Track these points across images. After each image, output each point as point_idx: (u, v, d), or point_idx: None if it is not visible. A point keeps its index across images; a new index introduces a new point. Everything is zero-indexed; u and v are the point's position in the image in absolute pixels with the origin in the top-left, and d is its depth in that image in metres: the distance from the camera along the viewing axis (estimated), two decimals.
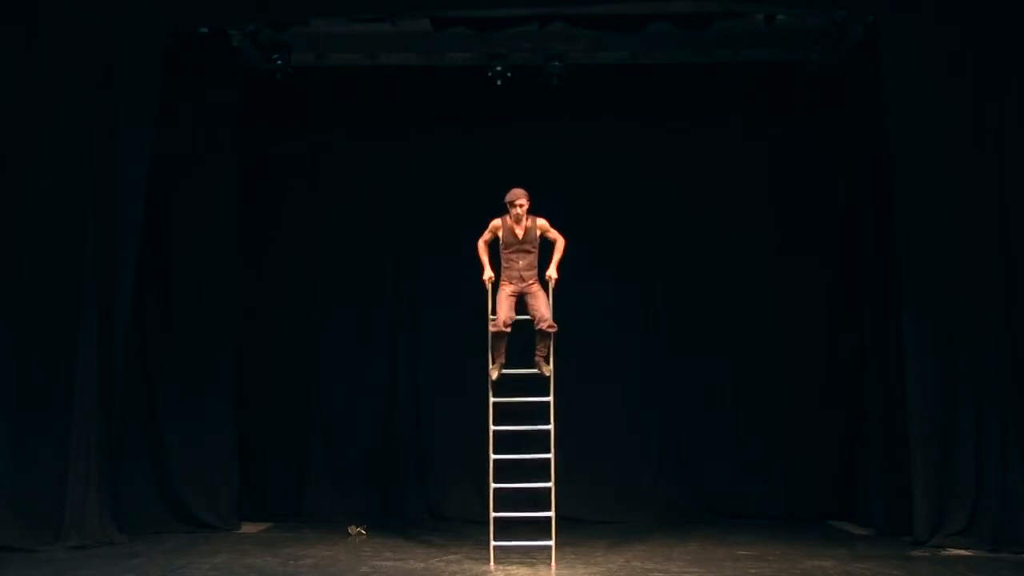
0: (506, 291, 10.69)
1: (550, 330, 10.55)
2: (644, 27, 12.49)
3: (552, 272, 10.73)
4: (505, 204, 10.75)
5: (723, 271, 13.74)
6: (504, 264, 10.73)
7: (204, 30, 12.38)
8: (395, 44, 13.16)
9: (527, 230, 10.70)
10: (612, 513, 13.22)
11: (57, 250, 11.30)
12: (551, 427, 10.71)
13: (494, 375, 10.72)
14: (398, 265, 13.83)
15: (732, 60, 13.31)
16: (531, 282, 10.71)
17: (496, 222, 10.80)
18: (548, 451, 10.66)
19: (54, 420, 11.15)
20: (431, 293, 13.71)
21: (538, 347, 10.70)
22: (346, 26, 12.87)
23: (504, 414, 10.81)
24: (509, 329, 10.57)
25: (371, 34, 12.98)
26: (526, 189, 10.73)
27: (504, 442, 10.83)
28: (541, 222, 10.79)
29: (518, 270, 10.68)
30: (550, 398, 10.75)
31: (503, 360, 10.73)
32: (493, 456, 10.72)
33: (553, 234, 10.82)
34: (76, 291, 11.29)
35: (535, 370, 10.79)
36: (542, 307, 10.60)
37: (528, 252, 10.72)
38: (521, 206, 10.68)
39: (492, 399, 10.77)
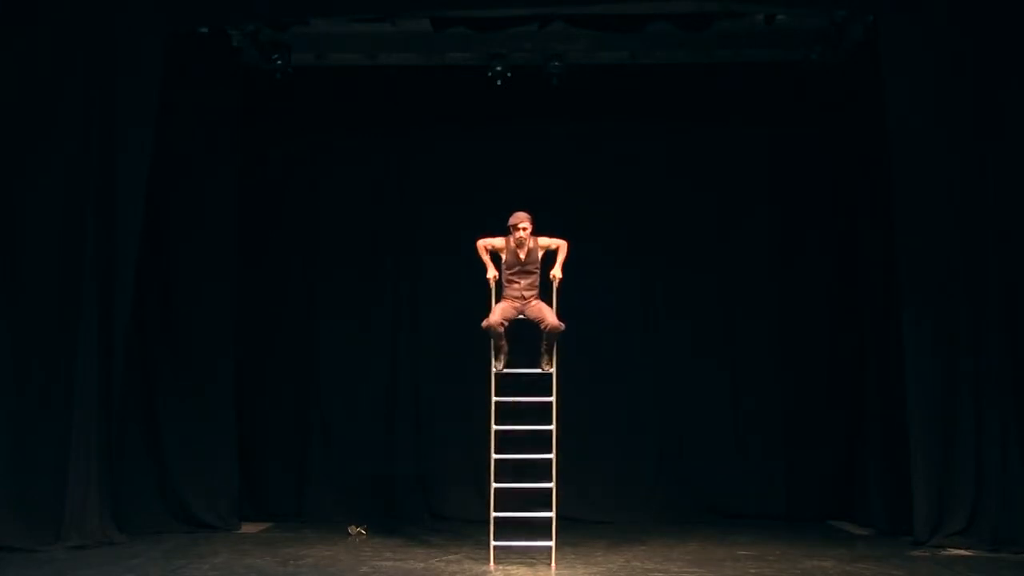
0: (506, 303, 10.72)
1: (556, 331, 10.56)
2: (644, 27, 12.49)
3: (557, 272, 10.73)
4: (508, 227, 10.72)
5: (723, 271, 13.74)
6: (505, 283, 10.77)
7: (204, 30, 12.37)
8: (395, 44, 13.16)
9: (529, 252, 10.71)
10: (612, 513, 13.23)
11: (57, 250, 11.29)
12: (553, 427, 10.71)
13: (499, 367, 10.74)
14: (398, 265, 13.82)
15: (732, 60, 13.31)
16: (531, 300, 10.75)
17: (500, 241, 10.76)
18: (549, 451, 10.66)
19: (54, 420, 11.14)
20: (431, 293, 13.70)
21: (543, 344, 10.75)
22: (346, 26, 12.87)
23: (505, 414, 10.82)
24: (502, 328, 10.60)
25: (371, 34, 12.97)
26: (530, 212, 10.70)
27: (505, 442, 10.81)
28: (542, 241, 10.78)
29: (519, 290, 10.71)
30: (552, 398, 10.75)
31: (507, 350, 10.75)
32: (494, 456, 10.72)
33: (554, 243, 10.80)
34: (76, 291, 11.28)
35: (538, 369, 10.82)
36: (546, 312, 10.65)
37: (530, 273, 10.75)
38: (524, 229, 10.66)
39: (494, 398, 10.78)
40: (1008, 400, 11.03)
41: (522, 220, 10.67)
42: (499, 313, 10.66)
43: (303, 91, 13.55)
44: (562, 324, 10.62)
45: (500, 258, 10.83)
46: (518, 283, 10.75)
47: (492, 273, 10.80)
